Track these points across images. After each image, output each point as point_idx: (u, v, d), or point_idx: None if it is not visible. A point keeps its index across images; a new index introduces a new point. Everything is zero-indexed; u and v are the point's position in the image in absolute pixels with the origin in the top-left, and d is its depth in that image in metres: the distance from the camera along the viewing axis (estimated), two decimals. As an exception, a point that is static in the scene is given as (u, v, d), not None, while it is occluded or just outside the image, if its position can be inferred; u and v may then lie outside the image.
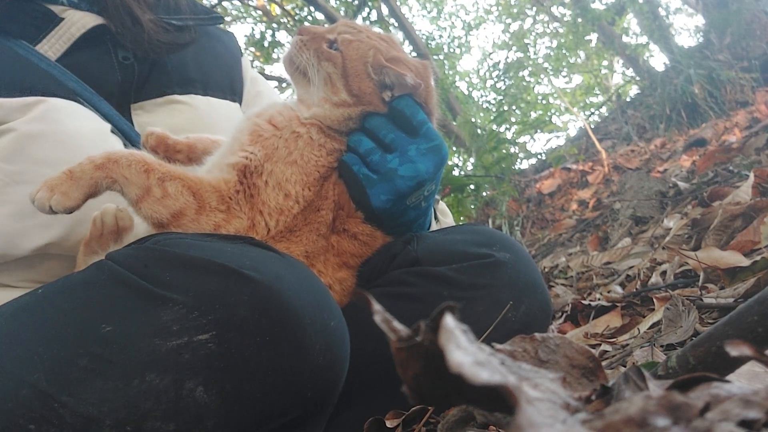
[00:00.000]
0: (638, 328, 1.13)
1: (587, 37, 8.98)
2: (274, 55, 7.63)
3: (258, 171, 0.81)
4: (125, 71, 0.95)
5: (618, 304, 1.35)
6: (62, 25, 0.89)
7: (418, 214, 0.91)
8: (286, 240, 0.82)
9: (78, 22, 0.90)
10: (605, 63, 10.67)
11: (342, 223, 0.87)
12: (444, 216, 1.12)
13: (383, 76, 0.86)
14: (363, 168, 0.86)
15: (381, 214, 0.87)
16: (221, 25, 1.20)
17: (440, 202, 1.14)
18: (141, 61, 0.99)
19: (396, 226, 0.91)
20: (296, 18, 7.35)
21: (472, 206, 4.92)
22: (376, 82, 0.86)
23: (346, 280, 0.86)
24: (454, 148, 6.62)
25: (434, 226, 1.02)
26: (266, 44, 7.36)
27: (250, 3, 8.05)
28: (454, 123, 6.50)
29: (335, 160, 0.88)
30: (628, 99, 7.06)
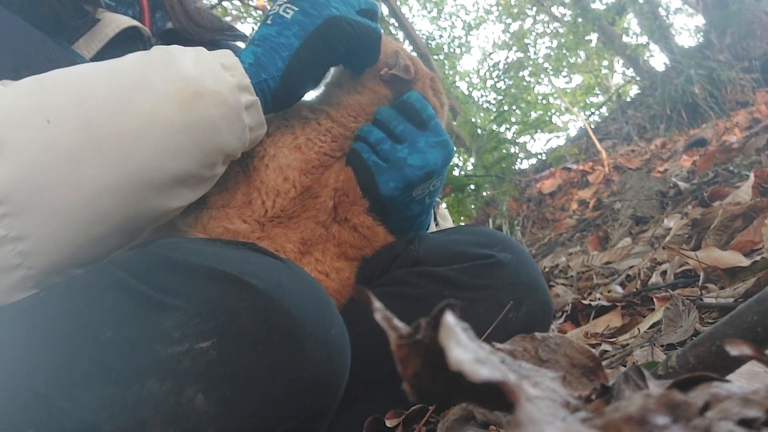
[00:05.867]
0: (638, 328, 1.13)
1: (587, 37, 8.99)
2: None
3: (259, 155, 0.83)
4: None
5: (618, 304, 1.35)
6: (98, 26, 0.92)
7: (421, 210, 0.93)
8: (284, 226, 0.83)
9: (112, 23, 0.93)
10: (605, 63, 10.68)
11: (345, 212, 0.88)
12: (444, 220, 1.12)
13: (387, 57, 0.93)
14: (373, 156, 0.88)
15: (388, 202, 0.88)
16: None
17: (441, 206, 1.14)
18: None
19: (399, 220, 0.91)
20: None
21: (473, 206, 4.92)
22: (382, 61, 0.93)
23: (344, 270, 0.86)
24: (455, 148, 6.62)
25: (433, 230, 1.02)
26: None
27: (250, 3, 8.05)
28: (454, 123, 6.50)
29: (339, 148, 0.90)
30: (628, 99, 7.07)
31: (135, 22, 0.95)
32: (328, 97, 0.93)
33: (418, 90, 0.94)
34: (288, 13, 0.80)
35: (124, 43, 0.93)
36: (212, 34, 1.08)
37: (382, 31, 0.96)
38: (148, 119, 0.67)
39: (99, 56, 0.90)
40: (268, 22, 0.81)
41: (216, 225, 0.80)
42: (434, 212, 1.06)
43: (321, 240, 0.85)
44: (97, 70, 0.70)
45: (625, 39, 8.15)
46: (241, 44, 1.22)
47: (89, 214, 0.65)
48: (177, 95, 0.69)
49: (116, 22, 0.93)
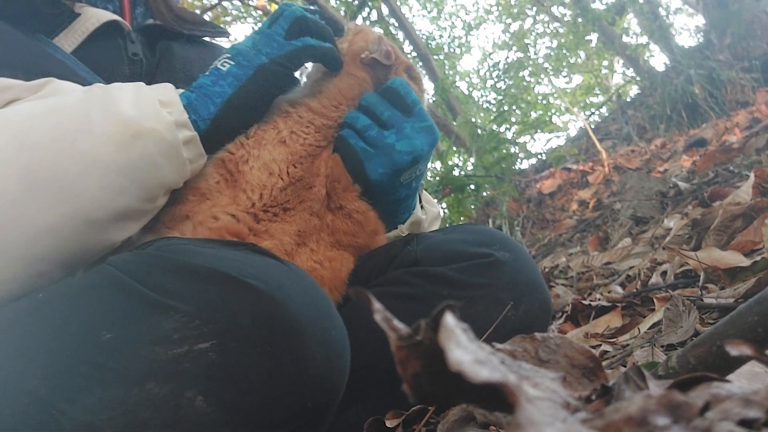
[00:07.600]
0: (638, 328, 1.13)
1: (587, 37, 8.99)
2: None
3: (243, 159, 0.84)
4: (134, 66, 0.98)
5: (618, 304, 1.35)
6: (78, 20, 0.92)
7: (408, 194, 0.94)
8: (280, 220, 0.82)
9: (93, 17, 0.94)
10: (605, 63, 10.68)
11: (338, 199, 0.88)
12: (428, 204, 1.11)
13: (370, 44, 0.94)
14: (360, 142, 0.88)
15: (376, 188, 0.88)
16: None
17: (424, 191, 1.14)
18: (149, 57, 1.02)
19: (388, 203, 0.92)
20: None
21: (473, 206, 4.92)
22: (364, 47, 0.94)
23: (335, 260, 0.86)
24: (454, 148, 6.62)
25: (419, 212, 1.02)
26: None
27: (250, 3, 8.06)
28: (454, 123, 6.50)
29: (323, 138, 0.90)
30: (628, 99, 7.07)
31: (115, 17, 0.95)
32: (307, 88, 0.93)
33: (398, 74, 0.94)
34: (225, 66, 0.84)
35: (104, 38, 0.94)
36: (194, 27, 1.09)
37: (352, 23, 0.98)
38: (88, 161, 0.69)
39: (80, 50, 0.91)
40: (207, 73, 0.84)
41: (202, 230, 0.79)
42: (419, 195, 1.06)
43: (315, 230, 0.86)
44: (39, 111, 0.71)
45: (625, 39, 8.15)
46: (224, 41, 1.24)
47: (33, 253, 0.67)
48: (116, 136, 0.70)
49: (96, 16, 0.94)
